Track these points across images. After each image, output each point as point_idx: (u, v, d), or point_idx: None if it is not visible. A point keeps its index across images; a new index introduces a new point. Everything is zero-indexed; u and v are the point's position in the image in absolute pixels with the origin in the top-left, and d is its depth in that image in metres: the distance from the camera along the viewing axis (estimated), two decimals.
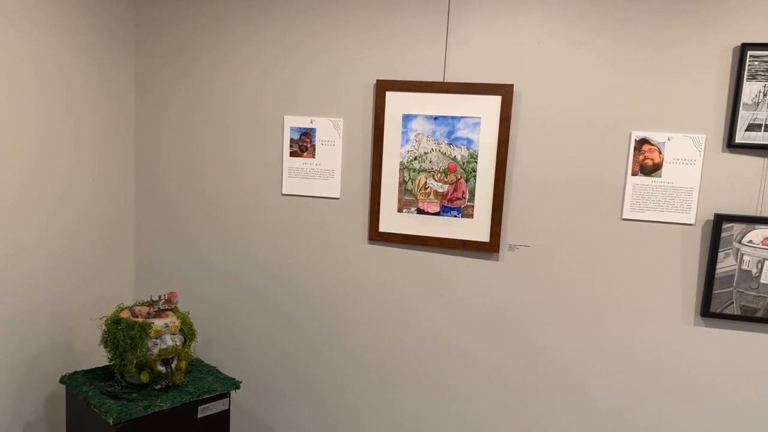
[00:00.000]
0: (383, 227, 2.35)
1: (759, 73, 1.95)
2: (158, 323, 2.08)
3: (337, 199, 2.40)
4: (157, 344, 2.07)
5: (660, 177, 2.09)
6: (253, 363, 2.60)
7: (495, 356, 2.33)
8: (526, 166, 2.21)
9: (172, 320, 2.12)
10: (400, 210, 2.33)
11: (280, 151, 2.43)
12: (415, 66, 2.25)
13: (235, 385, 2.20)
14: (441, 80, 2.24)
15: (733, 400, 2.13)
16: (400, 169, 2.30)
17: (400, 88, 2.26)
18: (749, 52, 1.95)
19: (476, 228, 2.27)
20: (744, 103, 1.98)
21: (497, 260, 2.28)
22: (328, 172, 2.39)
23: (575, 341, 2.25)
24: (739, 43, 1.97)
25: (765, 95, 1.96)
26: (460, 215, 2.27)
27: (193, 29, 2.47)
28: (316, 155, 2.39)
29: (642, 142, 2.09)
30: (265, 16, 2.38)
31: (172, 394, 2.07)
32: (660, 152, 2.08)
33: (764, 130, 1.97)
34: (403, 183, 2.31)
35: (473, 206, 2.26)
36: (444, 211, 2.29)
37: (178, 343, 2.12)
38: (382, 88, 2.27)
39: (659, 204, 2.10)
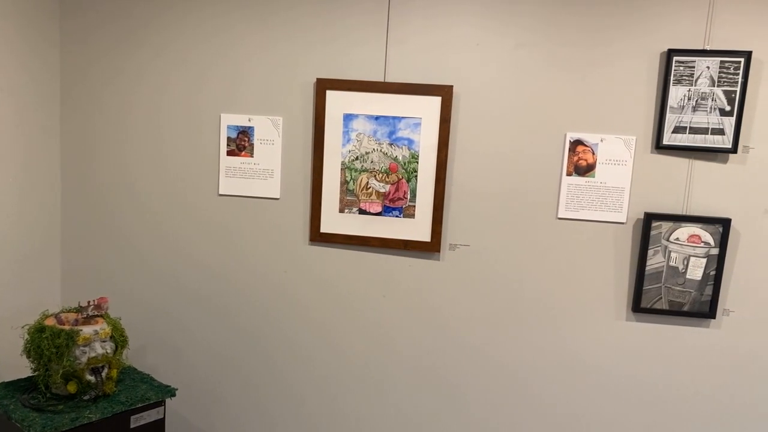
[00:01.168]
0: (325, 228, 2.32)
1: (684, 78, 2.04)
2: (87, 330, 1.97)
3: (277, 199, 2.35)
4: (85, 352, 1.97)
5: (593, 177, 2.15)
6: (190, 368, 2.52)
7: (436, 353, 2.34)
8: (465, 166, 2.23)
9: (102, 327, 2.02)
10: (341, 210, 2.30)
11: (217, 150, 2.36)
12: (355, 65, 2.24)
13: (171, 392, 2.12)
14: (382, 80, 2.23)
15: (662, 391, 2.23)
16: (341, 169, 2.28)
17: (341, 87, 2.24)
18: (675, 58, 2.04)
19: (418, 228, 2.27)
20: (671, 107, 2.06)
21: (438, 259, 2.29)
22: (267, 172, 2.34)
23: (515, 337, 2.29)
24: (665, 49, 2.06)
25: (689, 99, 2.05)
26: (401, 215, 2.27)
27: (123, 23, 2.36)
28: (254, 154, 2.33)
29: (576, 143, 2.15)
30: (201, 12, 2.30)
31: (103, 404, 1.98)
32: (593, 153, 2.15)
33: (689, 133, 2.06)
34: (344, 183, 2.28)
35: (415, 206, 2.26)
36: (386, 211, 2.28)
37: (108, 351, 2.03)
38: (323, 87, 2.24)
39: (593, 203, 2.17)
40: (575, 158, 2.16)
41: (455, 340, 2.33)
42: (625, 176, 2.13)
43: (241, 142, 2.33)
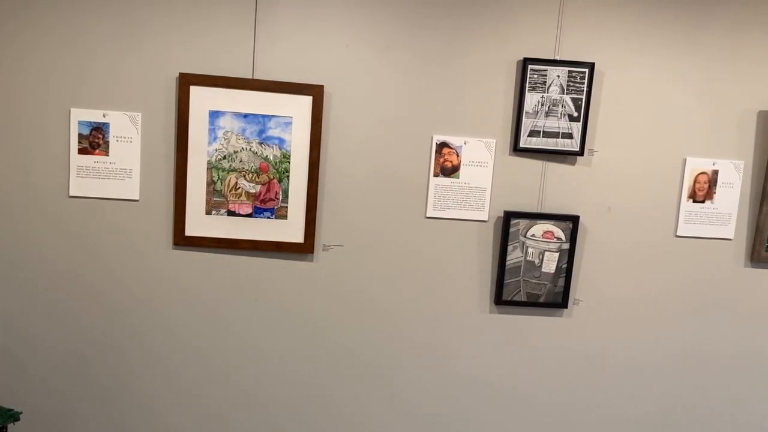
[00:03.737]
0: (190, 231, 2.20)
1: (537, 85, 2.19)
2: None
3: (136, 201, 2.19)
4: None
5: (458, 178, 2.25)
6: (38, 387, 2.28)
7: (311, 355, 2.33)
8: (338, 167, 2.23)
9: None
10: (208, 212, 2.20)
11: (66, 148, 2.15)
12: (221, 60, 2.15)
13: (14, 416, 1.92)
14: (250, 77, 2.16)
15: (522, 378, 2.39)
16: (207, 169, 2.18)
17: (206, 83, 2.14)
18: (530, 66, 2.18)
19: (290, 229, 2.24)
20: (526, 112, 2.21)
21: (312, 261, 2.28)
22: (124, 172, 2.17)
23: (388, 335, 2.34)
24: (521, 58, 2.20)
25: (542, 105, 2.21)
26: (273, 216, 2.22)
27: None
28: (110, 153, 2.16)
29: (442, 145, 2.23)
30: None
31: None
32: (458, 155, 2.24)
33: (542, 136, 2.22)
34: (211, 183, 2.19)
35: (287, 207, 2.22)
36: (257, 212, 2.22)
37: None
38: (186, 82, 2.12)
39: (458, 203, 2.26)
40: (441, 160, 2.24)
41: (330, 341, 2.32)
42: (486, 177, 2.25)
43: (94, 140, 2.15)
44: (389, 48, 2.18)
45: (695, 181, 2.31)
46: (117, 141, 2.15)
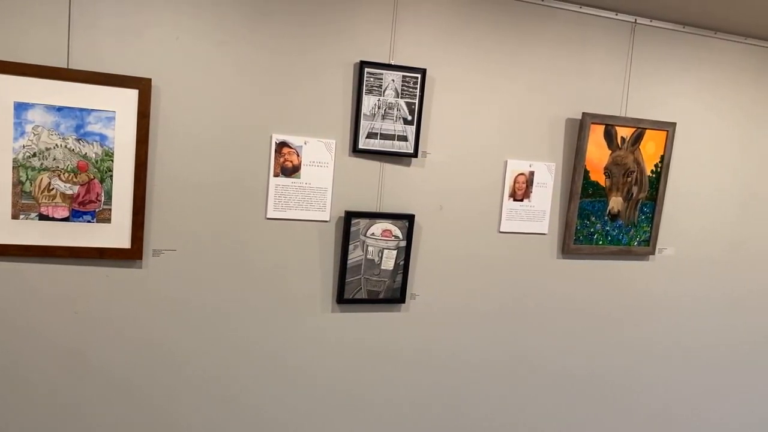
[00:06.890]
0: None
1: (374, 88, 2.25)
2: None
3: None
4: None
5: (299, 178, 2.24)
6: None
7: (142, 368, 2.16)
8: (170, 166, 2.09)
9: None
10: (15, 216, 1.94)
11: None
12: (29, 47, 1.90)
13: None
14: (65, 66, 1.95)
15: (365, 373, 2.44)
16: (13, 168, 1.92)
17: (10, 70, 1.88)
18: (366, 69, 2.23)
19: (115, 234, 2.05)
20: (364, 114, 2.26)
21: (141, 267, 2.11)
22: None
23: (228, 341, 2.24)
24: (358, 60, 2.24)
25: (379, 108, 2.27)
26: (95, 220, 2.02)
27: None
28: None
29: (282, 145, 2.20)
30: None
31: None
32: (298, 155, 2.23)
33: (380, 138, 2.29)
34: (18, 184, 1.93)
35: (111, 209, 2.04)
36: (75, 216, 2.00)
37: None
38: None
39: (299, 203, 2.25)
40: (281, 159, 2.21)
41: (163, 352, 2.17)
42: (327, 177, 2.27)
43: None
44: (224, 42, 2.09)
45: (515, 182, 2.54)
46: None
